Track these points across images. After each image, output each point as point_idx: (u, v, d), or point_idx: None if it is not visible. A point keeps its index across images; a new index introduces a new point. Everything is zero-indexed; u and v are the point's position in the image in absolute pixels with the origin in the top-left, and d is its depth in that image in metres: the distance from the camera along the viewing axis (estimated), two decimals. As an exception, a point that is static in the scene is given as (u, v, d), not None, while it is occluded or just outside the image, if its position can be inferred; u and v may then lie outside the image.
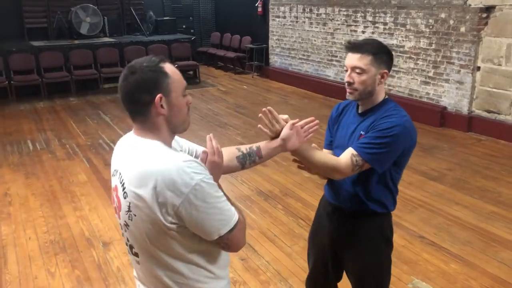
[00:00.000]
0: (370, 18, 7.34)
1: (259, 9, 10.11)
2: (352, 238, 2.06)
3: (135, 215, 1.36)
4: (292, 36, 9.29)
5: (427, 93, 6.59)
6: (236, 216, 1.40)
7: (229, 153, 1.75)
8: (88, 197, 4.36)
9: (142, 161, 1.36)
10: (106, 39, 9.81)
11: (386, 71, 1.91)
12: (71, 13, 9.75)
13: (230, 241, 1.41)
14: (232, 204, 1.45)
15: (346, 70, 1.92)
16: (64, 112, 7.60)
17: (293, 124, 1.79)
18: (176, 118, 1.41)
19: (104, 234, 3.71)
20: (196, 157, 1.65)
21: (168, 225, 1.33)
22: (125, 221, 1.42)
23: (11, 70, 8.30)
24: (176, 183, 1.29)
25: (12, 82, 8.15)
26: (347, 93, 1.95)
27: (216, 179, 1.53)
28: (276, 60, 9.92)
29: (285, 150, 1.80)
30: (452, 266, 3.24)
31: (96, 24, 10.02)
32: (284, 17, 9.43)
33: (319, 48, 8.57)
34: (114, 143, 5.90)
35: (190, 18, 12.06)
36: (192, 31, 11.94)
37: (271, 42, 9.97)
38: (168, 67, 1.39)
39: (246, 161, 1.77)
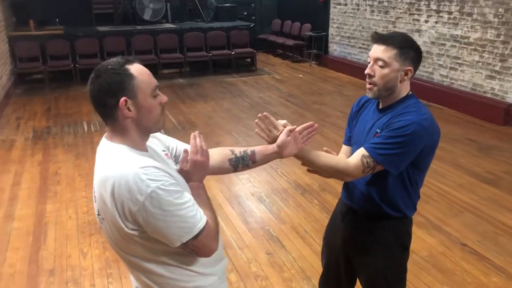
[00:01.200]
0: (434, 7, 6.90)
1: (321, -4, 9.86)
2: (364, 241, 1.95)
3: (103, 219, 1.36)
4: (352, 24, 8.97)
5: (492, 88, 6.11)
6: (202, 222, 1.33)
7: (222, 154, 1.70)
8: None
9: (104, 166, 1.34)
10: (167, 25, 10.01)
11: (410, 68, 1.76)
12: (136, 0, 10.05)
13: (197, 248, 1.35)
14: (205, 206, 1.39)
15: (369, 62, 1.80)
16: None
17: (291, 130, 1.71)
18: (146, 120, 1.37)
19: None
20: (177, 155, 1.60)
21: (129, 231, 1.31)
22: (99, 224, 1.42)
23: (77, 54, 8.72)
24: (132, 190, 1.25)
25: (77, 65, 8.55)
26: (367, 89, 1.82)
27: (198, 178, 1.48)
28: (335, 48, 9.66)
29: (281, 157, 1.72)
30: (493, 279, 2.99)
31: (159, 10, 10.25)
32: (346, 4, 9.13)
33: (379, 38, 8.21)
34: (165, 129, 6.06)
35: (252, 4, 12.01)
36: (253, 17, 11.90)
37: (331, 30, 9.70)
38: (134, 68, 1.34)
39: (239, 165, 1.71)
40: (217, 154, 1.70)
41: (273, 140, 1.74)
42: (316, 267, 3.14)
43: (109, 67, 1.33)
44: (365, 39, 8.63)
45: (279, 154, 1.71)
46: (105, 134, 1.42)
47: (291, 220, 3.75)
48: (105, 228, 1.38)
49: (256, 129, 1.79)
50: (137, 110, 1.34)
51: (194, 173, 1.47)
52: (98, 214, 1.38)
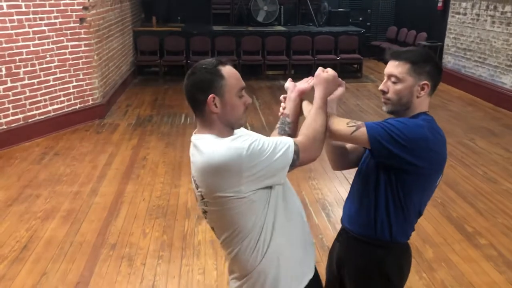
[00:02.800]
0: None
1: (439, 4, 9.29)
2: (350, 265, 1.86)
3: (207, 203, 1.52)
4: (470, 36, 8.31)
5: None
6: (289, 141, 1.50)
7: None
8: (205, 173, 4.72)
9: (201, 152, 1.48)
10: (278, 28, 10.23)
11: (427, 82, 1.68)
12: (251, 1, 10.42)
13: (303, 161, 1.53)
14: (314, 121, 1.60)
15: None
16: (223, 92, 8.25)
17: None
18: (230, 116, 1.51)
19: (202, 209, 4.00)
20: None
21: (248, 194, 1.45)
22: (203, 208, 1.58)
23: (191, 50, 9.33)
24: (233, 160, 1.41)
25: (189, 61, 9.16)
26: (383, 104, 1.77)
27: (323, 93, 1.67)
28: (449, 60, 9.03)
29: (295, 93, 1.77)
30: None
31: (272, 13, 10.52)
32: (465, 14, 8.48)
33: (498, 51, 7.50)
34: (253, 127, 6.29)
35: (369, 10, 11.74)
36: (368, 24, 11.63)
37: (447, 41, 9.08)
38: (226, 70, 1.49)
39: (285, 129, 1.78)
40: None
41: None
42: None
43: (204, 66, 1.50)
44: (482, 52, 7.94)
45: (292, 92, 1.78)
46: (195, 130, 1.58)
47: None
48: (211, 211, 1.53)
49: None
50: (222, 107, 1.49)
51: (319, 86, 1.68)
52: (202, 199, 1.53)
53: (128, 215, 3.88)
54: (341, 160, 1.97)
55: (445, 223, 3.77)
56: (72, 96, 6.05)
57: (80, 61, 6.07)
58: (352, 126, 1.63)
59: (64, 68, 5.87)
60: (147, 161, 5.01)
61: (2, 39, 5.08)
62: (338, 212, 3.95)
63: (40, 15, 5.45)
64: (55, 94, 5.80)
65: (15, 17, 5.18)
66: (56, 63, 5.75)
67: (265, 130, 6.09)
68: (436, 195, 4.24)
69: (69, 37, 5.86)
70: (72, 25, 5.86)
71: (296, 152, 1.50)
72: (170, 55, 9.28)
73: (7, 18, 5.10)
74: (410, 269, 1.89)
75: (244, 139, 1.44)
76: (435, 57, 1.75)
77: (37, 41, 5.45)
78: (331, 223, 3.79)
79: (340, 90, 1.77)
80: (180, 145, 5.47)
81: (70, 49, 5.90)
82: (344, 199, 4.25)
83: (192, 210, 3.97)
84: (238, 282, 1.64)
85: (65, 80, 5.92)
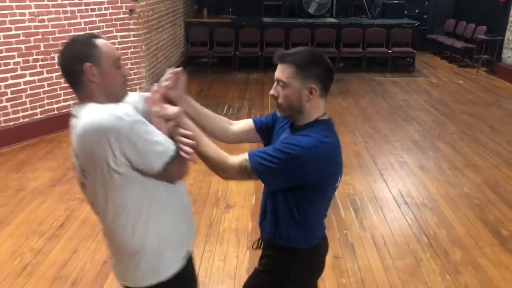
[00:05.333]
0: None
1: (503, -4, 8.78)
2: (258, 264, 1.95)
3: (87, 174, 1.51)
4: (533, 29, 7.81)
5: None
6: (174, 145, 1.50)
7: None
8: (239, 163, 4.79)
9: (79, 122, 1.46)
10: (329, 20, 10.08)
11: (314, 86, 1.62)
12: (303, -7, 10.34)
13: (173, 171, 1.51)
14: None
15: None
16: (269, 85, 8.24)
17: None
18: (109, 87, 1.53)
19: (232, 198, 4.07)
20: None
21: (119, 168, 1.45)
22: (81, 182, 1.60)
23: (240, 42, 9.42)
24: (112, 128, 1.40)
25: (237, 53, 9.25)
26: (276, 109, 1.75)
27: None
28: (509, 55, 8.53)
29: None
30: None
31: (324, 5, 10.38)
32: (529, 6, 7.97)
33: None
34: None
35: (426, 2, 11.29)
36: (424, 16, 11.20)
37: (508, 34, 8.58)
38: (100, 41, 1.52)
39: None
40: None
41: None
42: (378, 281, 2.99)
43: (77, 38, 1.54)
44: (545, 47, 7.44)
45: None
46: (74, 105, 1.60)
47: (373, 229, 3.59)
48: (90, 184, 1.53)
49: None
50: (101, 76, 1.50)
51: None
52: (82, 170, 1.53)
53: (160, 201, 4.01)
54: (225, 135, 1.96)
55: (479, 226, 3.61)
56: (120, 84, 6.30)
57: (129, 51, 6.31)
58: (245, 174, 1.62)
59: (113, 58, 6.12)
60: (185, 150, 5.14)
61: (56, 29, 5.38)
62: (367, 209, 3.89)
63: (91, 6, 5.71)
64: (104, 82, 6.07)
65: (68, 8, 5.47)
66: (105, 53, 6.00)
67: (305, 123, 6.06)
68: (473, 196, 4.08)
69: (119, 27, 6.11)
70: (121, 16, 6.10)
71: (175, 154, 1.49)
72: (219, 47, 9.42)
73: (61, 9, 5.39)
74: (317, 273, 1.89)
75: (133, 113, 1.45)
76: (323, 57, 1.67)
77: (88, 31, 5.72)
78: (358, 219, 3.74)
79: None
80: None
81: (119, 39, 6.14)
82: (376, 197, 4.20)
83: (222, 198, 4.05)
84: (116, 258, 1.67)
85: (114, 69, 6.17)
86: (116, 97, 1.56)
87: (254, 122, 1.94)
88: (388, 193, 4.17)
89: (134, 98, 1.73)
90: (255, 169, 1.60)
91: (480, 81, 8.49)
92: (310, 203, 1.69)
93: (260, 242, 1.95)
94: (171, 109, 1.56)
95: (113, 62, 1.53)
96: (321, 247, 1.85)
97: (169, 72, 1.72)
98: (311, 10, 10.38)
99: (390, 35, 9.46)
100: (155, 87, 1.66)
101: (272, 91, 1.69)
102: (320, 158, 1.59)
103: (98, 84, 1.51)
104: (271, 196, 1.76)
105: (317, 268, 1.88)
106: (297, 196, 1.67)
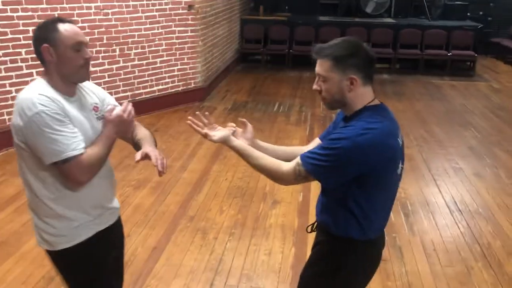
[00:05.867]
0: None
1: None
2: (312, 250, 1.96)
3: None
4: None
5: None
6: (73, 152, 1.62)
7: (137, 131, 1.95)
8: (288, 160, 4.81)
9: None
10: (386, 20, 9.87)
11: (354, 76, 1.62)
12: (361, -8, 10.18)
13: (65, 172, 1.65)
14: (98, 149, 1.70)
15: None
16: (322, 83, 8.22)
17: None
18: (65, 67, 1.67)
19: (279, 194, 4.09)
20: (103, 106, 1.87)
21: (18, 142, 1.66)
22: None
23: (294, 40, 9.41)
24: (24, 108, 1.59)
25: (291, 51, 9.25)
26: (321, 102, 1.77)
27: (114, 131, 1.77)
28: None
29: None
30: None
31: (382, 4, 10.16)
32: None
33: None
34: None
35: (491, 4, 10.82)
36: (489, 19, 10.72)
37: None
38: (63, 25, 1.66)
39: (136, 149, 1.89)
40: (136, 131, 1.95)
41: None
42: (425, 286, 2.93)
43: (44, 21, 1.70)
44: None
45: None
46: None
47: (423, 234, 3.50)
48: (16, 154, 1.73)
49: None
50: (57, 57, 1.66)
51: (113, 124, 1.76)
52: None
53: (210, 192, 4.11)
54: None
55: (538, 238, 3.44)
56: (176, 78, 6.48)
57: (186, 45, 6.47)
58: (301, 178, 1.68)
59: (171, 52, 6.31)
60: (236, 144, 5.21)
61: (118, 23, 5.61)
62: (417, 214, 3.80)
63: (152, 1, 5.90)
64: (160, 76, 6.27)
65: (130, 3, 5.68)
66: (163, 47, 6.20)
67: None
68: (533, 207, 3.89)
69: (177, 22, 6.27)
70: (180, 11, 6.26)
71: (69, 160, 1.61)
72: (273, 44, 9.45)
73: (123, 4, 5.61)
74: (372, 267, 1.86)
75: (51, 107, 1.58)
76: (360, 46, 1.64)
77: (148, 25, 5.92)
78: (408, 223, 3.66)
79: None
80: (269, 131, 5.61)
81: (177, 34, 6.31)
82: (428, 202, 4.11)
83: (269, 194, 4.09)
84: (35, 221, 1.81)
85: (171, 63, 6.36)
86: (71, 78, 1.71)
87: (320, 138, 1.95)
88: (441, 199, 4.06)
89: (95, 89, 1.90)
90: (309, 171, 1.64)
91: (547, 87, 8.06)
92: (368, 194, 1.67)
93: (315, 226, 1.96)
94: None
95: (71, 45, 1.66)
96: (379, 240, 1.83)
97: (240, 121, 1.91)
98: (368, 9, 10.20)
99: (451, 37, 9.13)
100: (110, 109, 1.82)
101: (314, 86, 1.72)
102: (368, 145, 1.57)
103: (54, 64, 1.67)
104: (326, 189, 1.77)
105: (374, 261, 1.86)
106: (354, 187, 1.65)
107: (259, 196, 4.06)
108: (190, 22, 6.40)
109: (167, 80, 6.37)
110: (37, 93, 1.62)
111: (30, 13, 4.79)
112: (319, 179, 1.67)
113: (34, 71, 4.93)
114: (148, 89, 6.17)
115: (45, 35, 1.66)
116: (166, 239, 3.39)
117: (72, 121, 1.67)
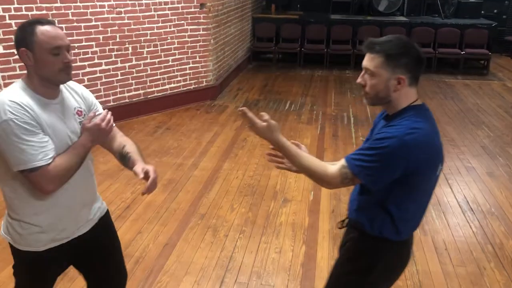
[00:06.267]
0: None
1: None
2: (343, 247, 1.94)
3: None
4: None
5: None
6: (40, 162, 1.62)
7: (119, 144, 1.93)
8: (299, 159, 4.80)
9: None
10: (398, 18, 9.80)
11: (402, 76, 1.60)
12: (373, -10, 10.12)
13: (31, 180, 1.65)
14: (68, 158, 1.69)
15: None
16: (333, 82, 8.21)
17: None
18: (43, 71, 1.66)
19: (290, 192, 4.10)
20: (89, 112, 1.88)
21: None
22: None
23: (306, 39, 9.39)
24: None
25: (303, 49, 9.24)
26: (363, 96, 1.75)
27: (90, 139, 1.77)
28: None
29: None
30: None
31: (395, 2, 10.08)
32: None
33: None
34: (356, 118, 6.26)
35: (506, 2, 10.68)
36: (504, 17, 10.60)
37: None
38: (40, 29, 1.63)
39: (122, 161, 1.92)
40: (117, 142, 1.93)
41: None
42: (437, 286, 2.92)
43: (23, 25, 1.67)
44: None
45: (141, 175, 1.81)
46: None
47: (435, 234, 3.48)
48: None
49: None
50: (35, 61, 1.65)
51: (90, 132, 1.75)
52: None
53: (221, 190, 4.13)
54: None
55: (551, 239, 3.41)
56: (188, 76, 6.51)
57: (198, 44, 6.49)
58: (347, 181, 1.65)
59: (183, 50, 6.33)
60: (247, 143, 5.24)
61: (131, 21, 5.65)
62: (429, 213, 3.77)
63: (165, 0, 5.93)
64: (172, 74, 6.30)
65: (143, 1, 5.71)
66: (175, 45, 6.23)
67: (368, 122, 5.97)
68: (547, 208, 3.84)
69: (189, 21, 6.30)
70: (192, 9, 6.28)
71: (37, 169, 1.61)
72: (285, 43, 9.44)
73: (136, 2, 5.65)
74: (402, 267, 1.86)
75: (20, 115, 1.57)
76: (413, 46, 1.62)
77: (160, 24, 5.96)
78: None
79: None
80: (280, 129, 5.59)
81: (189, 33, 6.34)
82: (440, 202, 4.05)
83: (280, 192, 4.09)
84: (6, 212, 1.83)
85: (183, 61, 6.39)
86: (51, 81, 1.70)
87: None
88: (453, 198, 4.03)
89: (85, 93, 1.90)
90: (355, 173, 1.61)
91: (563, 87, 7.94)
92: (408, 195, 1.66)
93: (345, 222, 1.94)
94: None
95: (48, 49, 1.63)
96: (410, 239, 1.83)
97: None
98: (381, 8, 10.13)
99: (464, 36, 9.04)
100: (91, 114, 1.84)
101: (359, 79, 1.69)
102: (415, 144, 1.55)
103: (32, 67, 1.67)
104: (365, 186, 1.72)
105: (404, 260, 1.85)
106: (395, 188, 1.63)
107: (270, 194, 4.07)
108: (202, 20, 6.42)
109: (179, 78, 6.40)
110: (9, 99, 1.61)
111: (44, 12, 4.85)
112: (366, 181, 1.63)
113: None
114: (160, 87, 6.20)
115: (23, 38, 1.65)
116: (177, 236, 3.41)
117: (45, 128, 1.66)
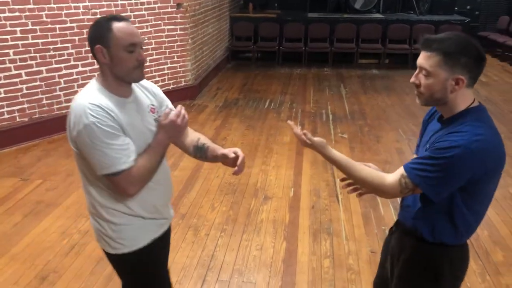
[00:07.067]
0: None
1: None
2: (400, 258, 1.83)
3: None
4: None
5: None
6: (123, 166, 1.60)
7: (192, 138, 1.93)
8: (279, 156, 4.84)
9: (78, 93, 1.69)
10: (374, 15, 9.92)
11: (461, 77, 1.51)
12: (350, -12, 10.22)
13: (114, 184, 1.64)
14: (148, 158, 1.68)
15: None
16: (312, 80, 8.27)
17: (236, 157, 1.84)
18: (118, 68, 1.63)
19: (271, 189, 4.13)
20: (161, 108, 1.86)
21: (74, 149, 1.67)
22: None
23: (284, 37, 9.43)
24: (76, 118, 1.58)
25: (281, 48, 9.28)
26: (416, 96, 1.67)
27: (166, 136, 1.74)
28: None
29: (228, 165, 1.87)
30: None
31: (371, 0, 10.21)
32: None
33: None
34: (335, 115, 6.28)
35: (478, -2, 10.91)
36: (476, 13, 10.82)
37: None
38: (117, 25, 1.60)
39: (197, 153, 1.93)
40: (190, 137, 1.93)
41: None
42: (415, 278, 2.96)
43: (99, 20, 1.65)
44: None
45: (223, 162, 1.88)
46: None
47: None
48: (74, 152, 1.71)
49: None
50: (110, 58, 1.62)
51: (166, 129, 1.73)
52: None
53: (201, 189, 4.13)
54: None
55: (524, 228, 3.51)
56: (166, 77, 6.48)
57: (175, 44, 6.47)
58: (407, 191, 1.60)
59: (160, 50, 6.31)
60: (227, 141, 5.25)
61: (107, 22, 5.59)
62: (407, 206, 3.84)
63: (141, 0, 5.90)
64: (150, 75, 6.27)
65: (119, 2, 5.67)
66: (153, 45, 6.20)
67: (347, 118, 6.03)
68: (520, 198, 3.95)
69: (166, 21, 6.27)
70: (169, 10, 6.26)
71: (120, 173, 1.60)
72: (263, 41, 9.47)
73: (112, 3, 5.60)
74: (464, 271, 1.80)
75: (102, 118, 1.55)
76: (474, 44, 1.52)
77: (137, 24, 5.91)
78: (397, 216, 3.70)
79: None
80: (260, 128, 5.63)
81: (166, 33, 6.31)
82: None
83: (260, 190, 4.12)
84: (93, 219, 1.81)
85: (161, 61, 6.36)
86: (125, 79, 1.68)
87: (418, 150, 1.87)
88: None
89: (155, 89, 1.88)
90: (417, 183, 1.55)
91: (534, 80, 8.15)
92: (472, 202, 1.60)
93: (398, 227, 1.88)
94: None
95: (124, 46, 1.61)
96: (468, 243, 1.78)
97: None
98: (357, 5, 10.24)
99: (439, 32, 9.10)
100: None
101: (413, 79, 1.61)
102: (482, 153, 1.48)
103: (108, 65, 1.64)
104: (426, 197, 1.62)
105: (467, 262, 1.79)
106: (460, 195, 1.58)
107: (251, 192, 4.08)
108: (179, 20, 6.40)
109: (157, 78, 6.37)
110: (89, 102, 1.58)
111: (17, 14, 4.77)
112: (428, 192, 1.55)
113: (22, 72, 4.93)
114: (138, 88, 6.15)
115: (99, 34, 1.62)
116: (158, 236, 3.40)
117: (125, 129, 1.64)
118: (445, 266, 1.72)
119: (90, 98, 1.60)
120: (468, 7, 10.80)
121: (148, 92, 1.84)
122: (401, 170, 1.60)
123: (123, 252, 1.79)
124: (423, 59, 1.56)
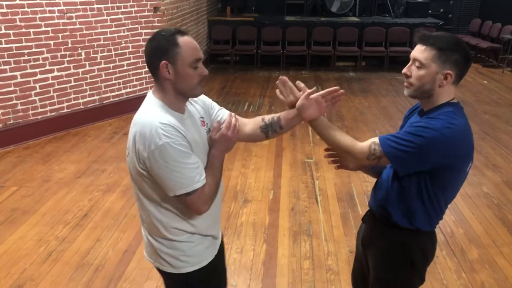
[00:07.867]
0: None
1: (529, -5, 8.62)
2: (374, 245, 1.91)
3: (128, 154, 1.64)
4: (561, 29, 7.65)
5: None
6: (197, 184, 1.55)
7: (255, 122, 1.87)
8: (258, 159, 4.86)
9: (139, 112, 1.62)
10: (351, 19, 10.05)
11: (450, 72, 1.63)
12: (326, -9, 10.33)
13: (188, 203, 1.59)
14: (212, 174, 1.63)
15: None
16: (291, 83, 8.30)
17: (309, 94, 1.75)
18: (182, 85, 1.57)
19: (250, 192, 4.14)
20: (213, 119, 1.82)
21: (140, 170, 1.58)
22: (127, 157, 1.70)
23: (262, 41, 9.47)
24: (147, 139, 1.50)
25: (259, 51, 9.32)
26: (404, 87, 1.76)
27: (221, 149, 1.70)
28: (536, 56, 8.38)
29: (303, 120, 1.79)
30: None
31: (347, 3, 10.34)
32: (557, 5, 7.81)
33: None
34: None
35: (451, 2, 11.15)
36: (449, 16, 11.07)
37: (535, 35, 8.42)
38: (183, 39, 1.54)
39: (269, 131, 1.85)
40: (251, 123, 1.87)
41: (290, 105, 1.80)
42: (393, 277, 3.01)
43: (162, 33, 1.56)
44: None
45: (299, 117, 1.78)
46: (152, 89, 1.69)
47: (391, 226, 3.61)
48: (128, 162, 1.66)
49: (277, 90, 1.87)
50: (175, 74, 1.55)
51: (219, 143, 1.70)
52: (127, 148, 1.65)
53: (180, 194, 4.11)
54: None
55: (497, 225, 3.60)
56: (144, 80, 6.44)
57: (153, 48, 6.42)
58: (373, 158, 1.67)
59: (138, 54, 6.26)
60: (206, 145, 5.23)
61: (83, 26, 5.54)
62: (384, 206, 3.90)
63: (117, 4, 5.85)
64: (128, 78, 6.22)
65: (95, 6, 5.62)
66: (130, 49, 6.15)
67: (325, 121, 6.08)
68: (493, 196, 4.06)
69: (143, 25, 6.23)
70: (146, 13, 6.23)
71: (194, 192, 1.55)
72: (241, 45, 9.50)
73: (88, 7, 5.55)
74: (434, 255, 1.90)
75: (174, 137, 1.50)
76: (464, 45, 1.66)
77: (113, 28, 5.87)
78: (375, 215, 3.76)
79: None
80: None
81: (143, 36, 6.26)
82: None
83: (240, 193, 4.13)
84: (153, 240, 1.75)
85: (138, 65, 6.31)
86: (187, 95, 1.63)
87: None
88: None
89: (209, 103, 1.86)
90: (386, 153, 1.64)
91: (505, 81, 8.37)
92: (441, 188, 1.69)
93: (369, 216, 1.95)
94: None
95: (190, 63, 1.55)
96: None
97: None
98: (333, 9, 10.36)
99: (414, 34, 9.35)
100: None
101: (405, 70, 1.71)
102: (453, 140, 1.60)
103: (171, 81, 1.57)
104: (397, 178, 1.74)
105: (434, 251, 1.88)
106: (429, 179, 1.67)
107: (230, 195, 4.09)
108: (156, 24, 6.37)
109: (135, 82, 6.33)
110: (159, 121, 1.51)
111: (-10, 18, 4.69)
112: (395, 163, 1.66)
113: (18, 73, 4.86)
114: (116, 92, 6.11)
115: (164, 50, 1.53)
116: (136, 242, 3.38)
117: (192, 147, 1.59)
118: (419, 251, 1.81)
119: (158, 117, 1.53)
120: (442, 10, 11.04)
121: (196, 103, 1.79)
122: (374, 139, 1.69)
123: (187, 271, 1.74)
124: (418, 51, 1.66)
